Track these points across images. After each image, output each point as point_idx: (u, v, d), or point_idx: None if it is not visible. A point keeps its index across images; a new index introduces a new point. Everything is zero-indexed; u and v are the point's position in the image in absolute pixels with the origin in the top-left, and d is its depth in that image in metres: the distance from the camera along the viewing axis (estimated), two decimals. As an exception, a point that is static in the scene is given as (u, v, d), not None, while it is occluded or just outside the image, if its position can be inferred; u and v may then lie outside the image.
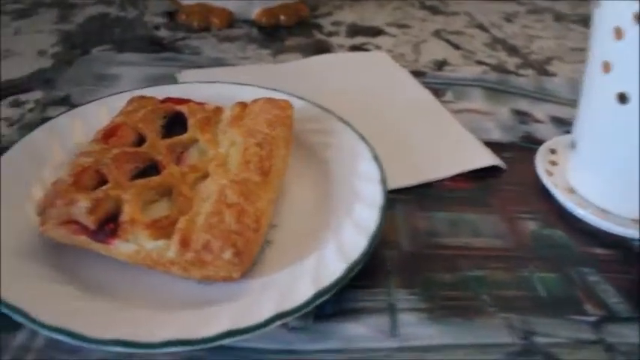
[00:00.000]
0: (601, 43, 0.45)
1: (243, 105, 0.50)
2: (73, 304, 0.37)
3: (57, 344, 0.36)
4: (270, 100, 0.50)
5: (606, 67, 0.45)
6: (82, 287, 0.39)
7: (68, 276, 0.39)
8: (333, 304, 0.40)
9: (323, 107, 0.54)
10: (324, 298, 0.37)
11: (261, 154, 0.44)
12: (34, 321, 0.34)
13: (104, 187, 0.41)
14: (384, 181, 0.45)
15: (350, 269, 0.38)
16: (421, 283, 0.43)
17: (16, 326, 0.37)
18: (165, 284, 0.40)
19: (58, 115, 0.53)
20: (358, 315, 0.40)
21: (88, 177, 0.42)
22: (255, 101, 0.50)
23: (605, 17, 0.44)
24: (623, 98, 0.44)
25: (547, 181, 0.53)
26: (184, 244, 0.38)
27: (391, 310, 0.40)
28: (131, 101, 0.51)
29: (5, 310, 0.35)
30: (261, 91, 0.55)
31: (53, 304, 0.36)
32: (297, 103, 0.54)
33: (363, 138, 0.50)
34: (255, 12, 0.84)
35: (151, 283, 0.40)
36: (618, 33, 0.43)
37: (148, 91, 0.55)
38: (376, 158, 0.48)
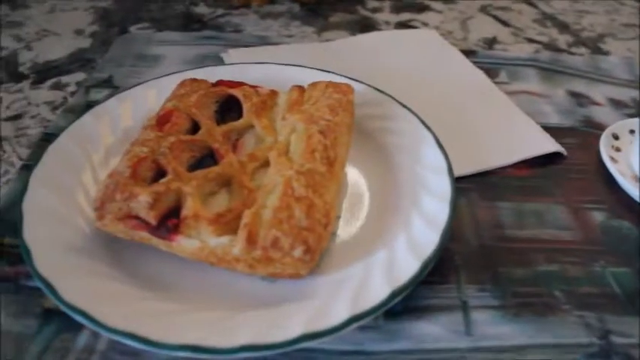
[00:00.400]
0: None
1: (300, 89, 0.49)
2: (135, 305, 0.35)
3: (121, 346, 0.35)
4: (330, 84, 0.48)
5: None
6: (143, 286, 0.38)
7: (127, 274, 0.38)
8: (403, 301, 0.38)
9: (381, 91, 0.52)
10: (399, 298, 0.35)
11: (325, 142, 0.42)
12: (98, 324, 0.33)
13: (164, 180, 0.39)
14: (451, 171, 0.43)
15: (424, 266, 0.36)
16: (491, 279, 0.41)
17: (78, 326, 0.36)
18: (228, 281, 0.39)
19: (105, 100, 0.51)
20: (430, 313, 0.39)
21: (146, 168, 0.41)
22: (314, 85, 0.48)
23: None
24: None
25: (612, 169, 0.51)
26: (251, 241, 0.36)
27: (464, 307, 0.39)
28: (182, 84, 0.49)
29: (67, 311, 0.34)
30: (316, 73, 0.54)
31: (115, 304, 0.35)
32: (355, 86, 0.52)
33: (425, 124, 0.48)
34: (296, -13, 0.81)
35: (214, 280, 0.39)
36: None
37: (196, 73, 0.53)
38: (440, 146, 0.46)
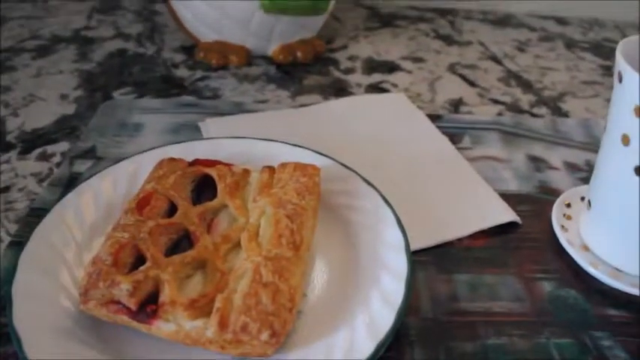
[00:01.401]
0: (621, 116, 0.46)
1: (271, 170, 0.52)
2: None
3: None
4: (298, 166, 0.52)
5: (625, 140, 0.47)
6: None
7: (110, 355, 0.41)
8: (362, 378, 0.42)
9: (347, 166, 0.55)
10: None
11: (292, 227, 0.46)
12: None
13: (143, 268, 0.43)
14: (408, 249, 0.47)
15: (380, 347, 0.40)
16: (444, 354, 0.45)
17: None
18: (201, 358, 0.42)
19: (88, 177, 0.54)
20: (385, 388, 0.42)
21: (126, 254, 0.44)
22: (283, 166, 0.52)
23: (627, 94, 0.45)
24: (640, 171, 0.46)
25: (562, 238, 0.54)
26: (223, 325, 0.40)
27: (417, 383, 0.43)
28: (160, 165, 0.53)
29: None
30: (286, 148, 0.58)
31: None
32: (321, 161, 0.56)
33: (386, 201, 0.52)
34: (272, 49, 0.85)
35: (190, 358, 0.42)
36: (638, 111, 0.44)
37: (174, 149, 0.57)
38: (400, 224, 0.49)
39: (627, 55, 0.46)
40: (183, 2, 0.82)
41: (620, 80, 0.46)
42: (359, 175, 0.55)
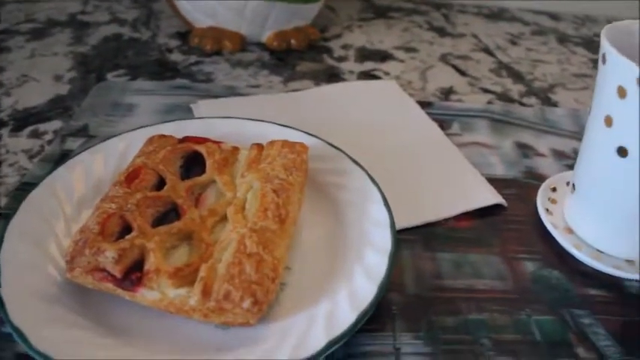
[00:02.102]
0: (605, 97, 0.47)
1: (259, 147, 0.53)
2: (97, 352, 0.39)
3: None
4: (286, 143, 0.52)
5: (608, 121, 0.47)
6: (107, 333, 0.41)
7: (94, 321, 0.42)
8: (344, 348, 0.43)
9: (335, 146, 0.56)
10: (336, 347, 0.39)
11: (278, 201, 0.46)
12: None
13: (129, 236, 0.43)
14: (393, 226, 0.48)
15: (360, 318, 0.41)
16: (425, 327, 0.45)
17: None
18: (186, 329, 0.43)
19: (79, 152, 0.55)
20: (367, 359, 0.42)
21: (113, 224, 0.45)
22: (271, 143, 0.53)
23: (610, 75, 0.46)
24: (622, 152, 0.47)
25: (546, 221, 0.55)
26: (206, 293, 0.40)
27: (397, 354, 0.43)
28: (151, 141, 0.54)
29: (35, 357, 0.37)
30: (276, 129, 0.58)
31: (79, 351, 0.39)
32: (310, 141, 0.56)
33: (373, 180, 0.52)
34: (266, 35, 0.86)
35: (173, 327, 0.43)
36: (621, 92, 0.45)
37: (166, 127, 0.57)
38: (386, 202, 0.50)
39: (612, 38, 0.47)
40: (178, -12, 0.83)
41: (604, 62, 0.47)
42: (346, 154, 0.55)
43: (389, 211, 0.49)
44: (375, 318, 0.45)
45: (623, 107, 0.46)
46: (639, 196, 0.48)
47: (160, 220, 0.47)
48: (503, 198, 0.58)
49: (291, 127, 0.58)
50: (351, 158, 0.55)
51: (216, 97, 0.72)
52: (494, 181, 0.60)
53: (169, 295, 0.41)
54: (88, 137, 0.63)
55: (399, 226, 0.52)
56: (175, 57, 0.82)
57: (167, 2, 0.87)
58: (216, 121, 0.60)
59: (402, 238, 0.53)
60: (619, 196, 0.49)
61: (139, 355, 0.40)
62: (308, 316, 0.42)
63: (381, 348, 0.44)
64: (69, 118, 0.67)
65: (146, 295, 0.42)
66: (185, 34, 0.88)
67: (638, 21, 0.50)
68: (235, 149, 0.53)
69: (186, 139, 0.54)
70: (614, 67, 0.45)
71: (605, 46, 0.46)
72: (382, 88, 0.76)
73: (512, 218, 0.57)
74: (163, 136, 0.54)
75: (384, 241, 0.47)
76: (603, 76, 0.47)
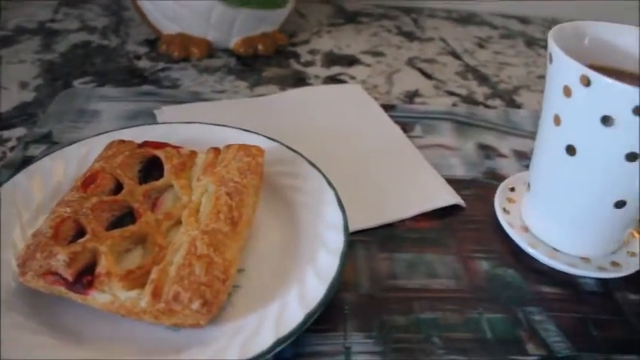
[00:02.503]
0: (553, 97, 0.48)
1: (216, 151, 0.53)
2: (49, 355, 0.39)
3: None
4: (242, 147, 0.53)
5: (557, 120, 0.48)
6: (59, 336, 0.42)
7: (45, 325, 0.42)
8: (293, 347, 0.43)
9: (293, 149, 0.57)
10: (283, 346, 0.40)
11: (230, 203, 0.47)
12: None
13: (82, 240, 0.44)
14: (346, 227, 0.48)
15: (308, 318, 0.41)
16: (377, 327, 0.46)
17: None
18: (137, 331, 0.43)
19: (40, 158, 0.55)
20: (316, 358, 0.43)
21: (67, 227, 0.45)
22: (228, 147, 0.53)
23: (557, 75, 0.47)
24: (571, 150, 0.47)
25: (502, 220, 0.56)
26: (156, 295, 0.41)
27: (346, 353, 0.44)
28: (110, 146, 0.54)
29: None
30: (237, 133, 0.59)
31: (29, 355, 0.39)
32: (268, 144, 0.57)
33: (329, 182, 0.53)
34: (233, 41, 0.86)
35: (124, 330, 0.43)
36: (567, 91, 0.46)
37: (127, 133, 0.58)
38: (340, 204, 0.50)
39: (559, 39, 0.48)
40: (145, -5, 0.83)
41: (551, 62, 0.47)
42: (305, 158, 0.56)
43: (343, 212, 0.50)
44: (327, 318, 0.45)
45: (570, 106, 0.46)
46: (589, 194, 0.49)
47: (116, 225, 0.47)
48: (463, 198, 0.59)
49: (251, 132, 0.59)
50: (308, 161, 0.55)
51: (180, 102, 0.72)
52: (455, 182, 0.61)
53: (120, 297, 0.42)
54: (51, 144, 0.63)
55: (356, 227, 0.53)
56: (143, 64, 0.83)
57: (135, 10, 0.87)
58: (178, 126, 0.61)
59: (359, 239, 0.53)
60: (570, 194, 0.50)
61: (90, 358, 0.40)
62: (259, 316, 0.43)
63: (331, 347, 0.44)
64: (33, 125, 0.67)
65: (97, 297, 0.42)
66: (154, 41, 0.89)
67: (585, 22, 0.51)
68: (193, 153, 0.54)
69: (145, 144, 0.55)
70: (560, 67, 0.46)
71: (552, 46, 0.47)
72: (347, 92, 0.77)
73: (470, 218, 0.57)
74: (123, 141, 0.55)
75: (336, 242, 0.47)
76: (551, 75, 0.48)
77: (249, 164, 0.51)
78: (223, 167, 0.51)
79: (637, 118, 0.42)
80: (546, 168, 0.52)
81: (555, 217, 0.53)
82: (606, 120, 0.44)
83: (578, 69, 0.44)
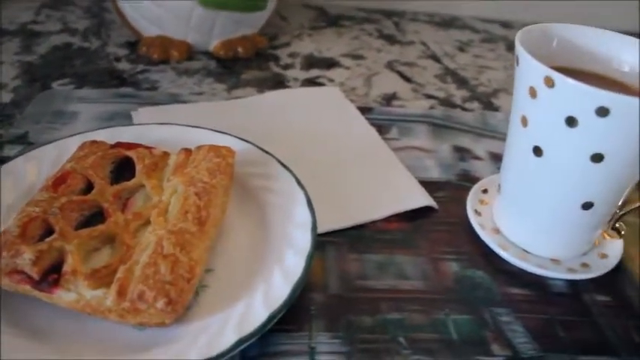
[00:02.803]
0: (520, 98, 0.49)
1: (187, 152, 0.54)
2: (13, 354, 0.39)
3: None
4: (212, 148, 0.53)
5: (524, 121, 0.49)
6: (25, 335, 0.42)
7: (11, 325, 0.42)
8: (259, 347, 0.43)
9: (265, 151, 0.57)
10: (245, 345, 0.40)
11: (199, 203, 0.47)
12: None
13: (49, 239, 0.44)
14: (314, 228, 0.48)
15: (271, 317, 0.41)
16: (343, 327, 0.46)
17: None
18: (103, 330, 0.43)
19: (13, 158, 0.55)
20: (281, 357, 0.43)
21: (35, 227, 0.45)
22: (199, 148, 0.53)
23: (523, 76, 0.48)
24: (538, 151, 0.48)
25: (474, 222, 0.56)
26: (121, 294, 0.41)
27: (311, 353, 0.44)
28: (82, 146, 0.54)
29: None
30: (211, 135, 0.59)
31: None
32: (241, 145, 0.57)
33: (299, 183, 0.53)
34: (213, 44, 0.87)
35: (90, 329, 0.43)
36: (532, 92, 0.46)
37: (102, 134, 0.58)
38: (310, 204, 0.51)
39: (526, 41, 0.49)
40: (125, -3, 0.83)
41: (517, 63, 0.48)
42: (276, 159, 0.56)
43: (312, 213, 0.50)
44: (293, 318, 0.46)
45: (535, 107, 0.47)
46: (556, 196, 0.49)
47: (86, 224, 0.47)
48: (436, 200, 0.59)
49: (225, 133, 0.59)
50: (280, 162, 0.56)
51: (158, 104, 0.72)
52: (429, 184, 0.61)
53: (86, 296, 0.42)
54: (27, 144, 0.63)
55: (327, 228, 0.53)
56: (123, 66, 0.83)
57: (116, 12, 0.87)
58: (152, 128, 0.61)
59: (330, 240, 0.53)
60: (538, 195, 0.51)
61: (56, 356, 0.40)
62: (224, 316, 0.43)
63: (296, 347, 0.44)
64: (9, 127, 0.67)
65: (63, 296, 0.42)
66: (135, 43, 0.89)
67: (552, 24, 0.52)
68: (165, 154, 0.54)
69: (118, 145, 0.55)
70: (525, 69, 0.47)
71: (518, 48, 0.47)
72: (324, 94, 0.77)
73: (442, 220, 0.58)
74: (95, 142, 0.55)
75: (304, 243, 0.47)
76: (517, 77, 0.49)
77: (218, 165, 0.51)
78: (193, 168, 0.51)
79: (600, 119, 0.43)
80: (515, 169, 0.52)
81: (525, 219, 0.53)
82: (571, 121, 0.44)
83: (542, 70, 0.44)
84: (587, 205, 0.49)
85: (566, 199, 0.49)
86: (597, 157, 0.45)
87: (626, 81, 0.51)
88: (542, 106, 0.46)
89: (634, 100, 0.41)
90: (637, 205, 0.52)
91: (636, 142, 0.44)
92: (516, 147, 0.51)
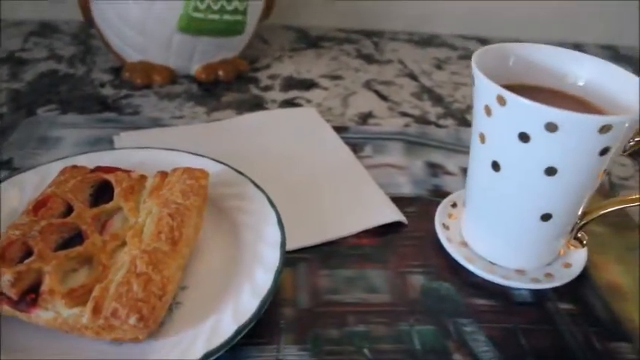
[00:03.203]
0: (478, 116, 0.51)
1: (163, 174, 0.56)
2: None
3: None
4: (187, 170, 0.55)
5: (482, 138, 0.51)
6: (6, 355, 0.44)
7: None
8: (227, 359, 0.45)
9: (240, 172, 0.59)
10: (214, 357, 0.42)
11: (172, 224, 0.49)
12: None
13: (27, 261, 0.46)
14: (283, 245, 0.51)
15: (239, 330, 0.44)
16: (311, 340, 0.48)
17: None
18: (81, 346, 0.45)
19: (-4, 185, 0.57)
20: (248, 371, 0.45)
21: (15, 249, 0.47)
22: (174, 171, 0.56)
23: (478, 95, 0.50)
24: (496, 166, 0.50)
25: (441, 235, 0.58)
26: (96, 311, 0.43)
27: (278, 365, 0.46)
28: (63, 171, 0.56)
29: None
30: (186, 157, 0.61)
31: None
32: (217, 167, 0.59)
33: (271, 203, 0.55)
34: (195, 68, 0.89)
35: (69, 345, 0.45)
36: (488, 110, 0.48)
37: (83, 159, 0.60)
38: (280, 223, 0.53)
39: (482, 61, 0.51)
40: (108, 25, 0.85)
41: (474, 83, 0.50)
42: (250, 180, 0.58)
43: (282, 231, 0.52)
44: (263, 332, 0.48)
45: (491, 124, 0.49)
46: (516, 209, 0.51)
47: (65, 246, 0.50)
48: (407, 216, 0.61)
49: (202, 156, 0.61)
50: (254, 183, 0.58)
51: (139, 128, 0.74)
52: (400, 200, 0.63)
53: (63, 314, 0.44)
54: (12, 170, 0.65)
55: (298, 245, 0.55)
56: (107, 91, 0.85)
57: (100, 39, 0.90)
58: (131, 152, 0.63)
59: (302, 256, 0.55)
60: (499, 209, 0.53)
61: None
62: (195, 330, 0.45)
63: (264, 359, 0.46)
64: (-5, 154, 0.69)
65: (41, 315, 0.44)
66: (119, 69, 0.91)
67: (509, 44, 0.54)
68: (143, 177, 0.56)
69: (97, 169, 0.57)
70: (480, 88, 0.49)
71: (473, 68, 0.49)
72: (300, 115, 0.79)
73: (411, 234, 0.60)
74: (76, 166, 0.57)
75: (273, 260, 0.50)
76: (475, 96, 0.51)
77: (192, 186, 0.53)
78: (168, 190, 0.53)
79: (550, 134, 0.45)
80: (477, 184, 0.54)
81: (489, 232, 0.55)
82: (523, 137, 0.46)
83: (494, 89, 0.47)
84: (545, 217, 0.51)
85: (525, 212, 0.52)
86: (551, 171, 0.47)
87: (582, 95, 0.53)
88: (496, 124, 0.48)
89: (580, 115, 0.44)
90: (597, 214, 0.54)
91: (586, 156, 0.46)
92: (477, 162, 0.53)
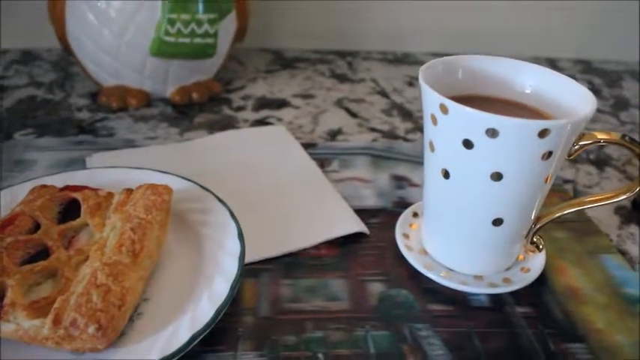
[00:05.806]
0: (426, 125, 0.53)
1: (129, 191, 0.58)
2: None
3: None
4: (150, 186, 0.57)
5: (431, 146, 0.53)
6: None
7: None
8: (185, 367, 0.47)
9: (204, 187, 0.61)
10: (169, 364, 0.44)
11: (133, 237, 0.51)
12: None
13: (-9, 275, 0.48)
14: (242, 256, 0.52)
15: (193, 338, 0.45)
16: (268, 346, 0.49)
17: None
18: (42, 357, 0.46)
19: (-33, 206, 0.59)
20: (205, 377, 0.47)
21: (-19, 266, 0.49)
22: (138, 187, 0.57)
23: (425, 105, 0.52)
24: (445, 174, 0.52)
25: (401, 244, 0.60)
26: (56, 322, 0.45)
27: (234, 372, 0.47)
28: (32, 191, 0.58)
29: None
30: (153, 175, 0.63)
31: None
32: (182, 184, 0.61)
33: (233, 216, 0.57)
34: (169, 91, 0.91)
35: (32, 356, 0.47)
36: (434, 119, 0.50)
37: (54, 179, 0.62)
38: (240, 235, 0.55)
39: (430, 74, 0.53)
40: (84, 52, 0.88)
41: (421, 95, 0.52)
42: (214, 194, 0.60)
43: (241, 243, 0.54)
44: (222, 339, 0.49)
45: (438, 133, 0.51)
46: (468, 215, 0.53)
47: (31, 261, 0.51)
48: (369, 227, 0.63)
49: (168, 173, 0.63)
50: (217, 198, 0.60)
51: (112, 149, 0.76)
52: (364, 212, 0.65)
53: (24, 325, 0.45)
54: (-15, 193, 0.67)
55: (260, 256, 0.57)
56: (83, 115, 0.87)
57: (78, 65, 0.92)
58: (100, 171, 0.65)
59: (265, 267, 0.57)
60: (452, 216, 0.54)
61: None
62: (153, 339, 0.47)
63: (221, 366, 0.48)
64: (-32, 177, 0.71)
65: (2, 327, 0.46)
66: (96, 93, 0.93)
67: (456, 57, 0.56)
68: (110, 194, 0.58)
69: (66, 188, 0.59)
70: (425, 98, 0.51)
71: (420, 79, 0.51)
72: (270, 133, 0.81)
73: (374, 244, 0.61)
74: (45, 186, 0.59)
75: (232, 270, 0.51)
76: (423, 107, 0.53)
77: (154, 202, 0.55)
78: (131, 205, 0.55)
79: (492, 140, 0.47)
80: (431, 192, 0.56)
81: (446, 239, 0.57)
82: (467, 144, 0.48)
83: (437, 99, 0.49)
84: (497, 222, 0.53)
85: (477, 218, 0.53)
86: (496, 176, 0.49)
87: (529, 103, 0.55)
88: (442, 132, 0.50)
89: (518, 120, 0.45)
90: (550, 219, 0.56)
91: (529, 160, 0.48)
92: (429, 171, 0.55)
